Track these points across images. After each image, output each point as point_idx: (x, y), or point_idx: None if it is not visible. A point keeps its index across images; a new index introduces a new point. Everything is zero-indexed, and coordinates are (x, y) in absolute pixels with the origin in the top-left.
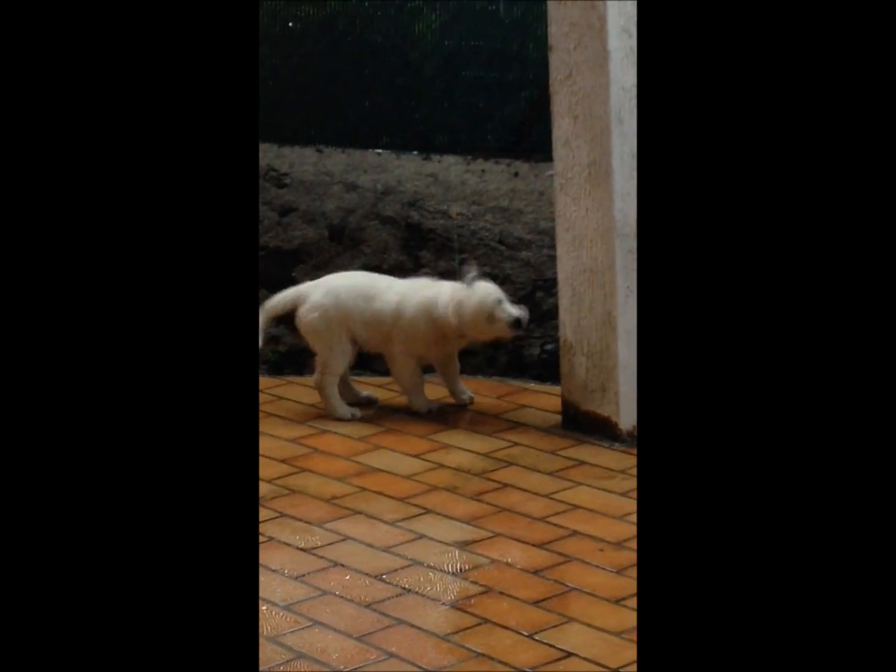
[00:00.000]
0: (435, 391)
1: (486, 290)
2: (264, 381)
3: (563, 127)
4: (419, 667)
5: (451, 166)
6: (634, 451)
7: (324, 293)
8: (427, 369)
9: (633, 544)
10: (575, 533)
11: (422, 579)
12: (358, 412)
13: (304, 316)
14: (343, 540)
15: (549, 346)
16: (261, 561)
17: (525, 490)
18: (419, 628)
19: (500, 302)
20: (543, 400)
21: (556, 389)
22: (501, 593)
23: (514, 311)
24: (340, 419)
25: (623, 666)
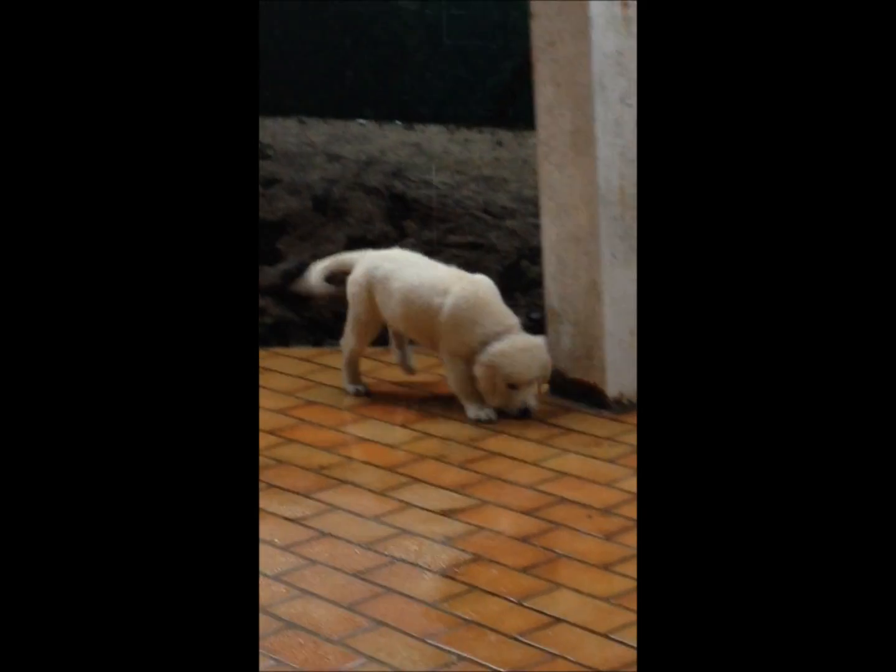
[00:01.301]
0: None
1: (498, 359)
2: None
3: (545, 95)
4: (409, 634)
5: (434, 136)
6: (621, 418)
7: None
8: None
9: (621, 510)
10: (563, 500)
11: (410, 548)
12: (363, 389)
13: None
14: (331, 510)
15: (534, 315)
16: None
17: (512, 458)
18: (408, 596)
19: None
20: None
21: None
22: (490, 561)
23: (528, 399)
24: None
25: (612, 631)
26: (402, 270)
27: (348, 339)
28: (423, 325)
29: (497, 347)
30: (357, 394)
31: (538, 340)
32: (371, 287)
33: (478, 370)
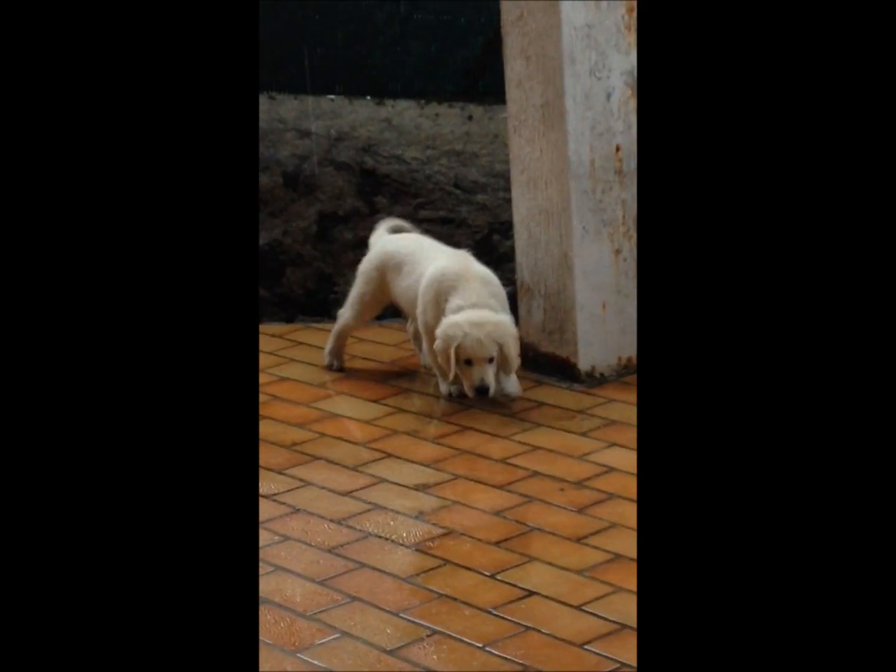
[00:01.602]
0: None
1: (450, 329)
2: None
3: (515, 68)
4: (382, 609)
5: (404, 111)
6: (594, 391)
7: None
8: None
9: (594, 484)
10: (535, 473)
11: (383, 523)
12: (337, 364)
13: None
14: (304, 486)
15: (506, 289)
16: None
17: (485, 432)
18: (382, 571)
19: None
20: None
21: None
22: (463, 535)
23: (485, 376)
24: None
25: (585, 603)
26: (418, 260)
27: (346, 313)
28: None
29: (451, 319)
30: (330, 367)
31: (499, 318)
32: (384, 271)
33: (436, 344)
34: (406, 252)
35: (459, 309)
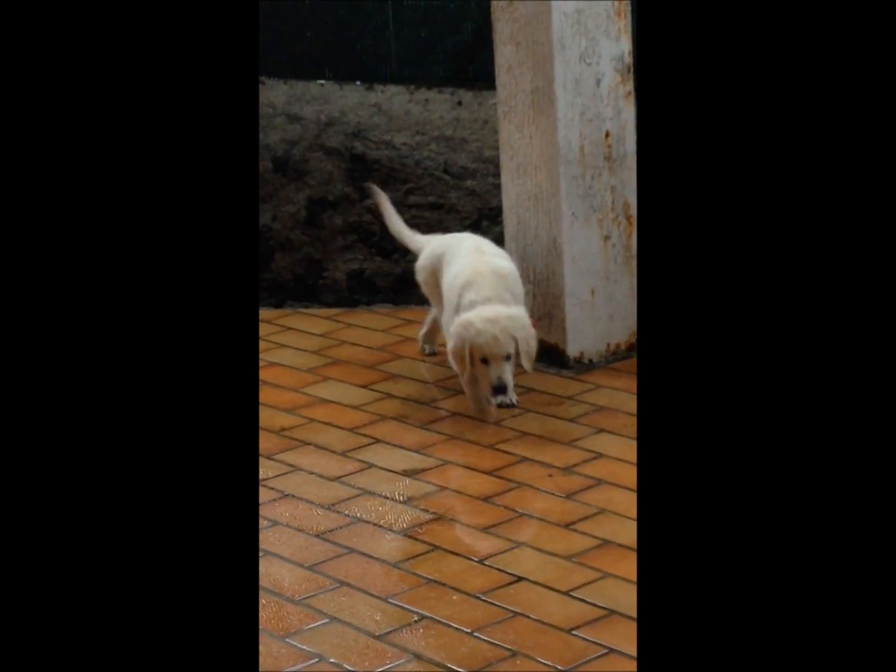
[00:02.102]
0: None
1: (463, 329)
2: None
3: (505, 54)
4: (371, 594)
5: (394, 96)
6: (582, 377)
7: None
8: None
9: (583, 469)
10: (524, 459)
11: (372, 508)
12: (433, 349)
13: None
14: (293, 471)
15: None
16: None
17: (474, 418)
18: (370, 556)
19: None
20: None
21: None
22: (452, 520)
23: (502, 374)
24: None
25: (573, 589)
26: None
27: (434, 309)
28: None
29: (463, 318)
30: (423, 352)
31: (512, 311)
32: (435, 271)
33: (448, 344)
34: (448, 247)
35: (472, 304)
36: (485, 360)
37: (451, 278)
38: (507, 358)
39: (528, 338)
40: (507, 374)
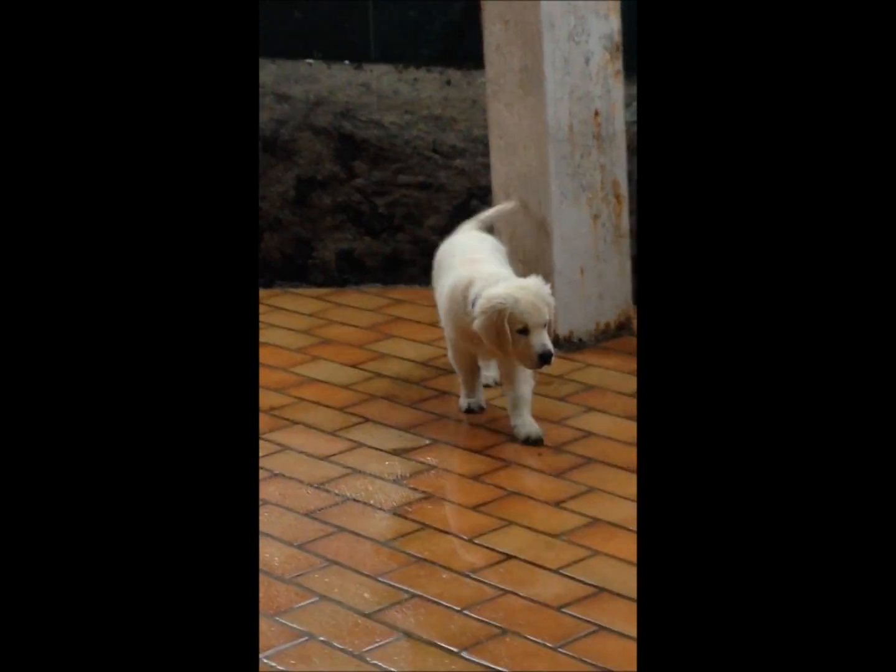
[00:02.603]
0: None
1: (499, 299)
2: None
3: (494, 33)
4: (361, 573)
5: (383, 76)
6: (572, 356)
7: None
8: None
9: (572, 448)
10: (513, 438)
11: (362, 487)
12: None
13: None
14: (282, 450)
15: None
16: None
17: None
18: (360, 535)
19: (519, 322)
20: None
21: None
22: (441, 499)
23: (545, 342)
24: None
25: (562, 567)
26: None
27: None
28: None
29: (492, 291)
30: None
31: (534, 279)
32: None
33: (478, 322)
34: (441, 257)
35: (484, 285)
36: (523, 331)
37: (452, 284)
38: (545, 325)
39: (554, 308)
40: (549, 341)
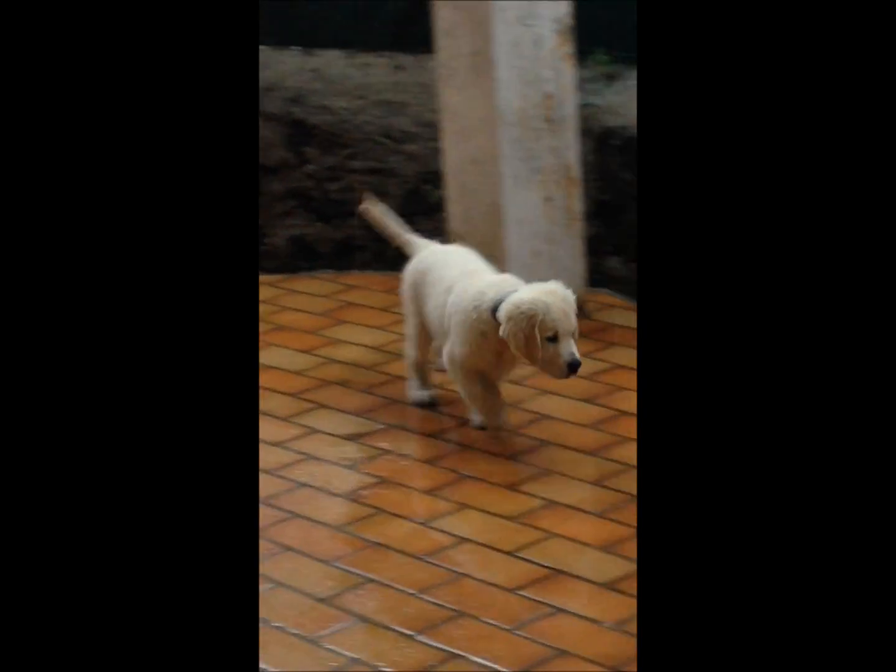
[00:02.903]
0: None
1: (530, 305)
2: None
3: (444, 17)
4: (316, 558)
5: (333, 61)
6: None
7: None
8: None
9: (528, 431)
10: (468, 422)
11: (316, 473)
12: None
13: None
14: None
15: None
16: None
17: None
18: (315, 521)
19: (549, 331)
20: None
21: None
22: (396, 483)
23: (574, 350)
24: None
25: (518, 549)
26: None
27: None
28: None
29: (516, 298)
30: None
31: (559, 283)
32: (416, 286)
33: (505, 328)
34: (432, 266)
35: (499, 291)
36: (552, 338)
37: (456, 299)
38: (573, 333)
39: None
40: (576, 349)
